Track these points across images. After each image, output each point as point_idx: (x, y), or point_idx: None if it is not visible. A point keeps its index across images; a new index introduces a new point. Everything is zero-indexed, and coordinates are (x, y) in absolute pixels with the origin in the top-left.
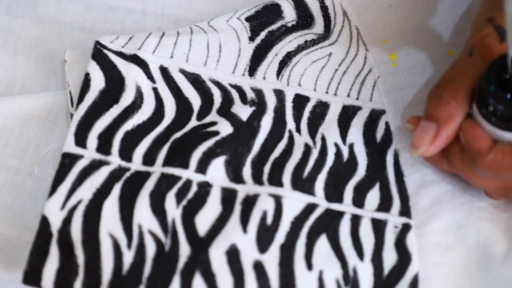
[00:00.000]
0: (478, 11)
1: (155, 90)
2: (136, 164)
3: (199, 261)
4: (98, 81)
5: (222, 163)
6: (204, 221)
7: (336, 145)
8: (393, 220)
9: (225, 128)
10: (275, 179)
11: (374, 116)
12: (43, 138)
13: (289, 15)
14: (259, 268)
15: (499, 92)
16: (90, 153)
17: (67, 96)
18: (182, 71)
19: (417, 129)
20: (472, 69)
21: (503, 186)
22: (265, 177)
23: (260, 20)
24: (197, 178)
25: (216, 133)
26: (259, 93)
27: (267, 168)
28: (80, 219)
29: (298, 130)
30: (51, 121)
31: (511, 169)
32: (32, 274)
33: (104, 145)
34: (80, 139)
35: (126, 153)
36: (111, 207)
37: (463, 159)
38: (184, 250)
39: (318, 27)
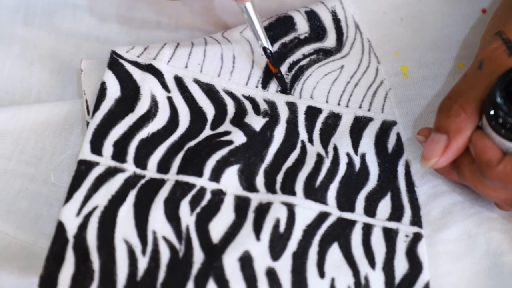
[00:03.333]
0: (488, 25)
1: (169, 99)
2: (151, 171)
3: (213, 267)
4: (113, 90)
5: (236, 171)
6: (217, 228)
7: (348, 155)
8: (404, 229)
9: (238, 138)
10: (288, 188)
11: (386, 127)
12: (58, 146)
13: (302, 27)
14: (271, 275)
15: (508, 104)
16: (105, 160)
17: (83, 105)
18: (197, 81)
19: (428, 141)
20: (482, 82)
21: None
22: (278, 185)
23: (273, 31)
24: (211, 186)
25: (229, 142)
26: (272, 105)
27: (279, 177)
28: (96, 225)
29: (311, 140)
30: (67, 130)
31: None
32: (48, 279)
33: (119, 153)
34: (96, 146)
35: (141, 161)
36: (126, 213)
37: (473, 171)
38: (198, 256)
39: (331, 40)
